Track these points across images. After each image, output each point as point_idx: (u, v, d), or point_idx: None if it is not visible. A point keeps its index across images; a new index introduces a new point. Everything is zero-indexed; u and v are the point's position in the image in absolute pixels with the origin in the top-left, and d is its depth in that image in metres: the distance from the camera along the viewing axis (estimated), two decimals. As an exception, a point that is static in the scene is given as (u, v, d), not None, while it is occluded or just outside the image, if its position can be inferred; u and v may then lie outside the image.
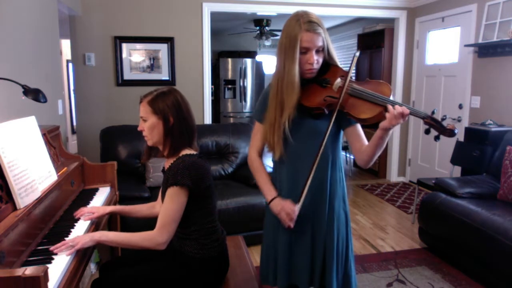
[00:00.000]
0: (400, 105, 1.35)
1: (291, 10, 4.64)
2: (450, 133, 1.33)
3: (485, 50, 4.02)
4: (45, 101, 1.92)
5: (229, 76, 7.76)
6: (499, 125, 3.76)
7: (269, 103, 1.55)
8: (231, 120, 7.77)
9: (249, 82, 7.84)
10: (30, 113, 1.91)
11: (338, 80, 1.48)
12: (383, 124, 1.36)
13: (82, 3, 4.03)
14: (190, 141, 1.70)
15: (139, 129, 1.69)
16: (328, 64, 1.53)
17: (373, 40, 5.68)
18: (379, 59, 5.40)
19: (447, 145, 4.33)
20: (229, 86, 7.78)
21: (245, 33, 8.12)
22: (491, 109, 4.00)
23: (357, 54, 1.50)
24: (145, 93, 1.69)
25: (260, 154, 1.68)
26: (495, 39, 3.83)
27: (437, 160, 4.81)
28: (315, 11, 1.50)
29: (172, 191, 1.56)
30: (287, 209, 1.49)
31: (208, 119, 4.54)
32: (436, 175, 4.51)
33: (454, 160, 3.86)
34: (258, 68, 7.96)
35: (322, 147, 1.46)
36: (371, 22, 5.79)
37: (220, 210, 3.04)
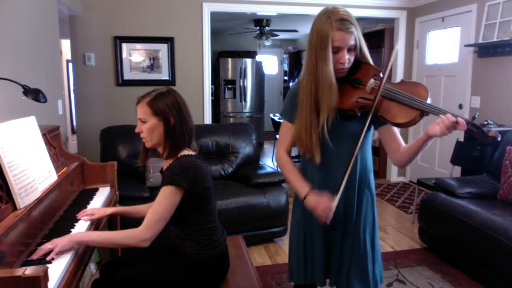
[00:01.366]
0: (445, 112, 1.28)
1: (291, 10, 4.65)
2: (493, 140, 1.23)
3: (485, 50, 4.02)
4: (45, 101, 1.92)
5: (229, 76, 7.75)
6: (499, 125, 3.75)
7: (301, 104, 1.47)
8: (231, 120, 7.77)
9: (249, 82, 7.83)
10: (30, 113, 1.91)
11: (372, 81, 1.40)
12: (433, 133, 1.29)
13: (82, 3, 4.03)
14: (189, 142, 1.68)
15: (137, 130, 1.66)
16: (359, 62, 1.46)
17: (373, 40, 5.68)
18: (379, 59, 5.39)
19: (447, 145, 4.33)
20: (229, 86, 7.78)
21: (245, 33, 8.12)
22: (491, 109, 4.00)
23: (397, 47, 1.41)
24: (142, 94, 1.66)
25: (288, 153, 1.62)
26: (495, 39, 3.83)
27: (437, 160, 4.81)
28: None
29: (166, 190, 1.55)
30: (323, 207, 1.42)
31: (208, 119, 4.54)
32: (436, 175, 4.51)
33: (454, 160, 3.86)
34: (258, 68, 7.96)
35: (357, 150, 1.42)
36: (371, 22, 5.79)
37: (220, 210, 3.04)
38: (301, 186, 1.52)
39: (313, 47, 1.41)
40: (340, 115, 1.45)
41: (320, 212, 1.43)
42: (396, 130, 1.50)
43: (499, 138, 1.23)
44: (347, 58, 1.40)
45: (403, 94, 1.36)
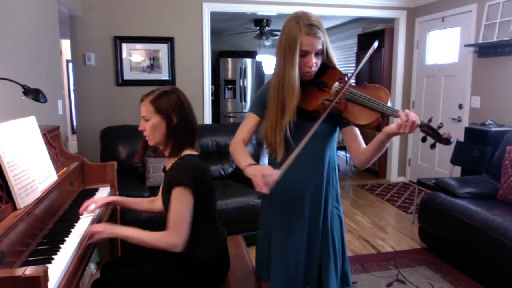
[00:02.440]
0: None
1: (291, 10, 4.62)
2: (446, 141, 1.32)
3: (485, 50, 4.02)
4: (45, 101, 1.92)
5: (229, 76, 7.76)
6: (499, 125, 3.76)
7: (269, 103, 1.53)
8: (231, 120, 7.77)
9: (249, 82, 7.83)
10: (30, 113, 1.91)
11: (336, 84, 1.47)
12: (390, 129, 1.33)
13: (82, 3, 4.03)
14: (192, 141, 1.69)
15: (140, 128, 1.67)
16: (326, 66, 1.52)
17: (373, 40, 5.65)
18: (379, 59, 5.40)
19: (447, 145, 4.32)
20: (229, 86, 7.78)
21: (245, 33, 8.12)
22: (491, 109, 4.00)
23: (375, 45, 1.48)
24: (146, 92, 1.67)
25: (245, 145, 1.61)
26: (495, 39, 3.83)
27: (437, 160, 4.81)
28: (315, 11, 1.49)
29: (177, 192, 1.55)
30: (265, 171, 1.35)
31: (208, 119, 4.54)
32: (436, 175, 4.51)
33: (454, 160, 3.86)
34: (258, 68, 7.96)
35: (312, 131, 1.41)
36: (371, 22, 5.79)
37: (220, 210, 3.04)
38: (244, 159, 1.49)
39: (282, 50, 1.46)
40: (306, 116, 1.50)
41: (260, 178, 1.34)
42: (358, 132, 1.55)
43: (452, 140, 1.33)
44: (314, 62, 1.46)
45: (365, 97, 1.42)
